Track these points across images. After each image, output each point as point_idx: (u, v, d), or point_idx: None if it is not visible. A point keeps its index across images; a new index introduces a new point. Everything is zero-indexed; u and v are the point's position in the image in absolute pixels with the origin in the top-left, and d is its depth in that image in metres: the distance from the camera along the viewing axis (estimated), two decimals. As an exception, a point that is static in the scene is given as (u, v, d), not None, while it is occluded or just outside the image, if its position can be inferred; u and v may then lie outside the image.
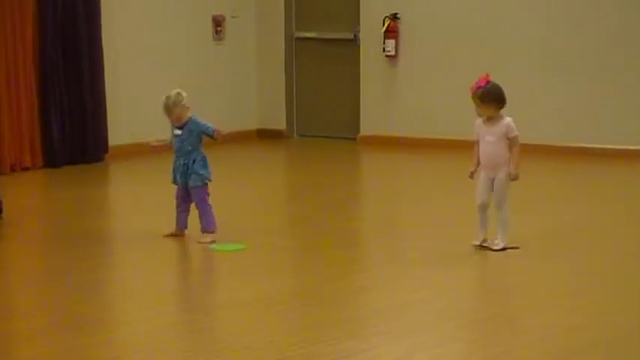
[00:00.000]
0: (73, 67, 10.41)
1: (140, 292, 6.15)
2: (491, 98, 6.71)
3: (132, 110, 11.09)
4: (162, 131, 11.19)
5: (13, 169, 10.03)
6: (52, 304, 5.90)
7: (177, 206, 7.15)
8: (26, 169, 10.16)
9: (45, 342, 5.20)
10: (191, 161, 7.02)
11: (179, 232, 7.15)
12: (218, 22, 11.89)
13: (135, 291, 6.20)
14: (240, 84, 12.12)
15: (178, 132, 7.07)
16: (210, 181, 7.10)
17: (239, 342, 5.21)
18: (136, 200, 9.02)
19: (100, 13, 10.56)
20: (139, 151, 10.99)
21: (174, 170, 7.13)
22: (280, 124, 12.33)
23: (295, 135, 12.40)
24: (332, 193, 9.25)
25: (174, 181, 7.15)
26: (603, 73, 10.60)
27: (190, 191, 7.07)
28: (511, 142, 6.74)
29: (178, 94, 7.04)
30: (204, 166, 7.07)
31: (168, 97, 7.04)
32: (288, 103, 12.33)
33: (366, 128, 11.82)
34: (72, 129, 10.45)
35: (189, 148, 7.03)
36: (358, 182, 10.47)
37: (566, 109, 10.78)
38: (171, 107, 7.02)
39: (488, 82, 6.72)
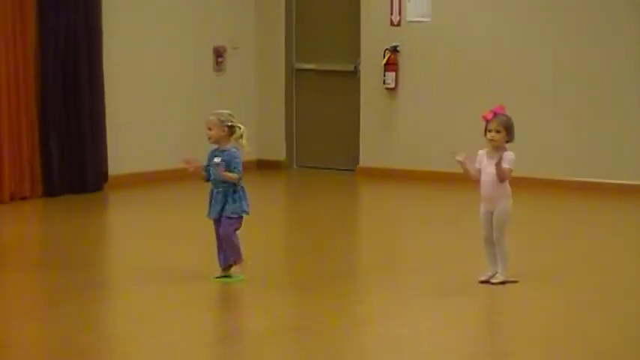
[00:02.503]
0: (74, 96, 10.41)
1: (138, 322, 6.13)
2: (511, 128, 6.70)
3: (132, 140, 11.09)
4: (162, 161, 11.28)
5: (12, 198, 10.02)
6: (49, 334, 5.88)
7: (218, 241, 6.87)
8: (25, 198, 10.15)
9: (42, 372, 5.19)
10: (231, 190, 6.80)
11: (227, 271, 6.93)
12: (219, 53, 11.93)
13: (133, 321, 6.18)
14: (241, 114, 11.95)
15: (217, 160, 6.80)
16: (247, 214, 6.86)
17: (237, 374, 5.19)
18: (135, 230, 9.01)
19: (102, 42, 10.59)
20: (138, 181, 11.02)
21: (209, 202, 6.84)
22: (280, 154, 12.34)
23: (295, 166, 12.41)
24: (331, 224, 9.25)
25: (210, 215, 6.85)
26: (600, 108, 10.62)
27: (222, 220, 6.82)
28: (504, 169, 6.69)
29: (230, 114, 6.88)
30: (244, 197, 6.83)
31: (219, 113, 6.86)
32: (287, 134, 12.35)
33: (365, 160, 11.83)
34: (71, 158, 10.44)
35: None
36: (357, 214, 10.46)
37: (564, 144, 10.79)
38: (215, 122, 6.80)
39: (504, 112, 6.73)
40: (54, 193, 10.27)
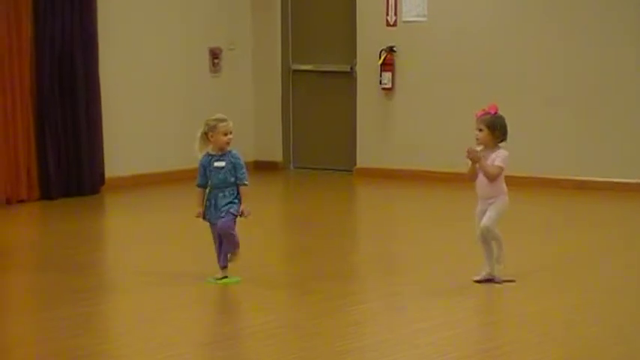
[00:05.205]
0: (70, 99, 10.41)
1: (136, 325, 6.13)
2: (498, 128, 6.70)
3: (129, 142, 11.09)
4: (158, 163, 11.29)
5: (8, 202, 10.02)
6: (46, 337, 5.88)
7: (216, 244, 6.90)
8: (22, 201, 10.15)
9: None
10: (236, 192, 6.83)
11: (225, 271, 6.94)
12: (215, 55, 11.93)
13: (130, 324, 6.18)
14: (237, 116, 11.97)
15: (220, 164, 6.82)
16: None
17: (234, 375, 5.19)
18: (132, 232, 9.01)
19: (97, 44, 10.58)
20: (135, 184, 11.01)
21: (208, 207, 6.84)
22: (277, 155, 12.34)
23: (291, 167, 12.41)
24: (328, 225, 9.24)
25: (209, 218, 6.86)
26: (595, 107, 10.62)
27: (224, 216, 6.79)
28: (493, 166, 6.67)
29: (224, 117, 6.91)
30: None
31: (214, 118, 6.88)
32: (284, 135, 12.35)
33: (363, 160, 11.83)
34: (68, 161, 10.44)
35: (233, 179, 6.83)
36: (354, 214, 10.46)
37: (559, 143, 10.80)
38: (216, 126, 6.81)
39: (496, 112, 6.73)
40: (51, 197, 10.26)
